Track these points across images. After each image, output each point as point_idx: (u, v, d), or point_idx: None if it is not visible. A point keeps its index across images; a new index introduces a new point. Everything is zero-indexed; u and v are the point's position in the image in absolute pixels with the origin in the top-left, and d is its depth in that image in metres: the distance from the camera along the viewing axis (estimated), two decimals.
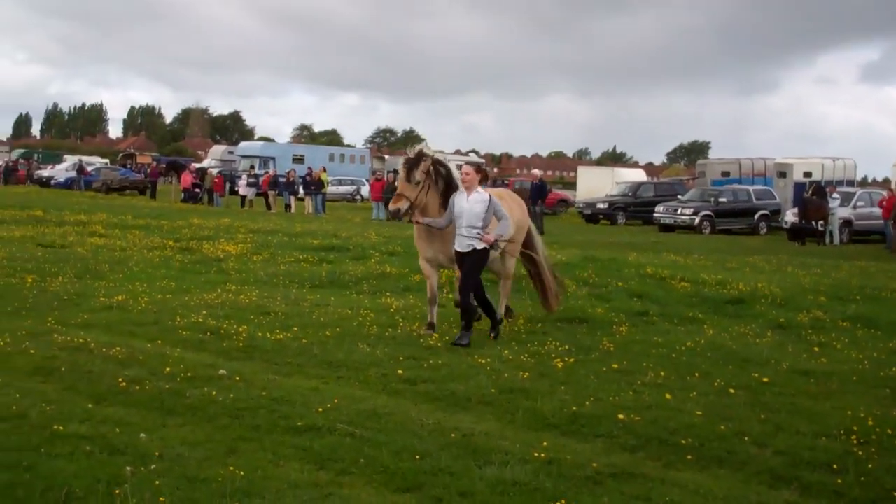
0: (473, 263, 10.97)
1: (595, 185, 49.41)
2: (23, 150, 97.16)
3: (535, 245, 13.02)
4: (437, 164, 11.57)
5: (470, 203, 10.94)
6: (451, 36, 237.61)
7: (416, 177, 11.31)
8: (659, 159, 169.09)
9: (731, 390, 8.93)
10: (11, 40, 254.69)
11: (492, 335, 11.31)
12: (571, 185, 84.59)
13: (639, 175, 58.21)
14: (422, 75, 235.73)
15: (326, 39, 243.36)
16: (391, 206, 11.64)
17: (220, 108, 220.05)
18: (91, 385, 8.25)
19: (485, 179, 11.65)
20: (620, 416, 7.73)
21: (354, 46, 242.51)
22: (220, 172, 51.58)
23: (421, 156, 11.41)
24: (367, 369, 9.29)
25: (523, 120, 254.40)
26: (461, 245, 10.99)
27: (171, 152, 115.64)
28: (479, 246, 10.90)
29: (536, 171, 39.09)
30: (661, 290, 15.33)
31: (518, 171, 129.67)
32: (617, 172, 55.34)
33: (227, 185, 49.36)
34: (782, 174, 46.08)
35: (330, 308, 12.96)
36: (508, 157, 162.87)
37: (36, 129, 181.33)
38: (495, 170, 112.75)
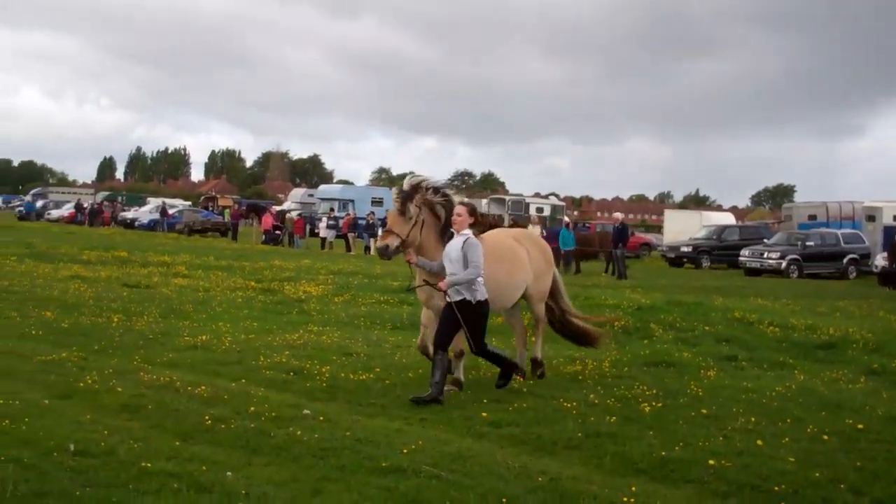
0: (471, 321, 9.78)
1: (682, 229, 48.62)
2: (107, 193, 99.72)
3: (560, 292, 12.01)
4: (435, 196, 10.32)
5: (449, 248, 9.92)
6: (529, 79, 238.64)
7: (409, 211, 10.10)
8: (743, 203, 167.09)
9: (825, 437, 8.67)
10: (96, 86, 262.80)
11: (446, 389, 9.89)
12: (654, 228, 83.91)
13: (727, 218, 57.13)
14: (500, 118, 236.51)
15: (404, 83, 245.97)
16: (379, 243, 10.46)
17: (299, 151, 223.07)
18: (177, 423, 8.28)
19: (478, 223, 10.41)
20: (711, 462, 7.55)
21: (432, 90, 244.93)
22: (300, 215, 52.30)
23: (415, 187, 10.23)
24: (451, 411, 9.20)
25: (603, 163, 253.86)
26: (449, 295, 9.82)
27: (251, 195, 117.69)
28: (468, 297, 9.74)
29: (618, 215, 38.78)
30: (749, 335, 15.05)
31: (599, 214, 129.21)
32: (705, 216, 54.50)
33: (307, 228, 49.93)
34: (871, 218, 45.08)
35: (411, 349, 12.88)
36: (589, 200, 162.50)
37: (120, 173, 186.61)
38: (576, 213, 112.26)
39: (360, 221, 46.46)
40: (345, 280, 22.74)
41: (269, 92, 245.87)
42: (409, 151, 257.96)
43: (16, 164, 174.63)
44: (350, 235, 44.77)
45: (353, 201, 63.77)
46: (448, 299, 9.80)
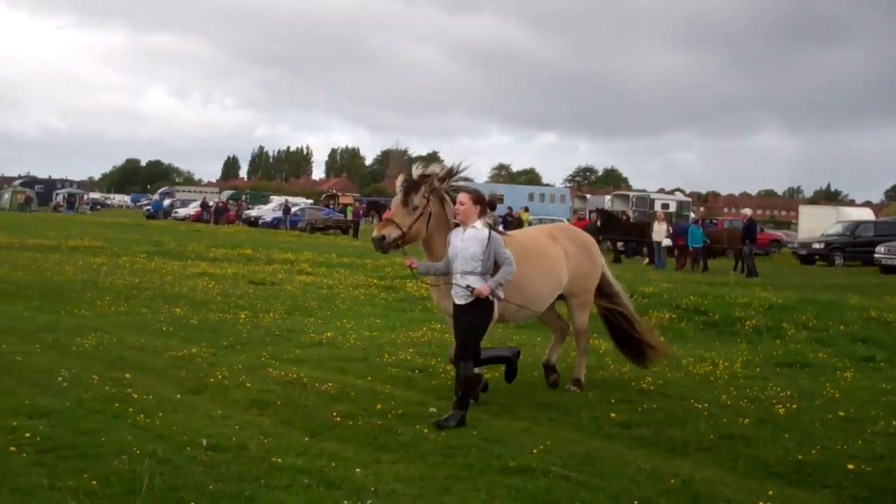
0: (473, 321, 8.63)
1: (818, 225, 47.14)
2: (232, 192, 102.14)
3: (616, 293, 10.87)
4: (444, 185, 9.16)
5: (464, 242, 8.61)
6: (652, 71, 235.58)
7: (414, 201, 8.89)
8: (877, 197, 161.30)
9: None
10: (220, 86, 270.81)
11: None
12: (783, 224, 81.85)
13: (865, 214, 54.95)
14: (623, 112, 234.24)
15: (524, 78, 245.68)
16: (375, 233, 9.05)
17: (418, 149, 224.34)
18: (306, 419, 8.35)
19: (485, 212, 8.83)
20: (850, 466, 7.30)
21: (552, 85, 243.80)
22: None
23: (424, 176, 9.11)
24: (579, 412, 9.06)
25: (729, 158, 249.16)
26: (456, 294, 8.68)
27: (371, 193, 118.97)
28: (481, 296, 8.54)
29: (747, 211, 37.80)
30: (887, 335, 14.52)
31: (726, 210, 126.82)
32: (842, 212, 52.71)
33: None
34: None
35: (536, 349, 12.77)
36: (716, 195, 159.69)
37: (243, 172, 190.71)
38: (702, 209, 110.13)
39: None
40: None
41: (389, 89, 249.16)
42: (529, 147, 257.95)
43: (143, 163, 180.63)
44: None
45: None
46: (455, 299, 8.72)
